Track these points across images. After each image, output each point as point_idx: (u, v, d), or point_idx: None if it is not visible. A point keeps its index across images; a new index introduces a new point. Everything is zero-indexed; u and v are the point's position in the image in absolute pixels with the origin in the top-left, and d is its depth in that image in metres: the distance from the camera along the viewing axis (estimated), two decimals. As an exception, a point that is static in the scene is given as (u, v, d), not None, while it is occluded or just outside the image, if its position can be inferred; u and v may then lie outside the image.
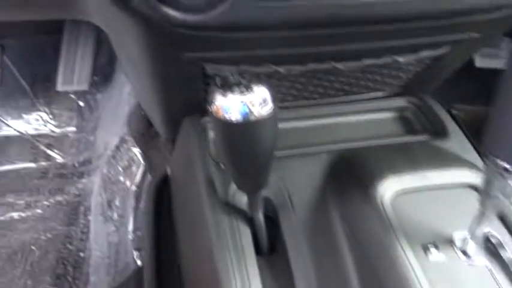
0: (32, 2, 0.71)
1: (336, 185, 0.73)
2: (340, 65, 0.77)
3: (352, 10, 0.54)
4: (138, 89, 0.96)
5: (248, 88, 0.54)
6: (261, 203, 0.68)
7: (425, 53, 0.80)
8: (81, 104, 1.60)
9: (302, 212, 0.73)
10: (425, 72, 0.89)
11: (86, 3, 0.63)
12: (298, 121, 0.88)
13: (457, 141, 0.81)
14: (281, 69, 0.75)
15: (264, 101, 0.54)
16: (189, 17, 0.51)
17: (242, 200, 0.71)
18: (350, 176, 0.72)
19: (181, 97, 0.82)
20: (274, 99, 0.56)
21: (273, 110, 0.56)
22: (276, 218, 0.73)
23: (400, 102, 0.94)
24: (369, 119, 0.92)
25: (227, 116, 0.54)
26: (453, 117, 1.20)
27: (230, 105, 0.54)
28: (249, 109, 0.54)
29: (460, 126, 0.89)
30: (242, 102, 0.54)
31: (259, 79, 0.55)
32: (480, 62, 1.99)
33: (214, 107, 0.55)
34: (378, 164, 0.71)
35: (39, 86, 1.60)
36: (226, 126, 0.55)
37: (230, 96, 0.54)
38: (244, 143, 0.56)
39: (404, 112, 0.94)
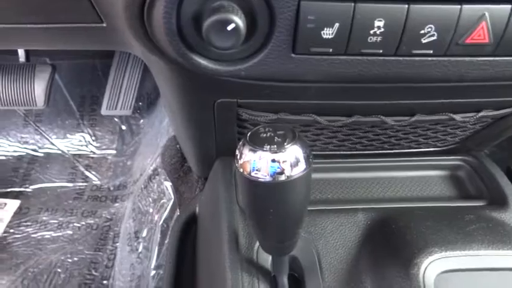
0: (76, 36, 0.71)
1: (372, 252, 0.65)
2: (389, 119, 0.71)
3: (400, 73, 0.48)
4: (173, 124, 0.93)
5: (280, 146, 0.49)
6: (286, 266, 0.61)
7: (487, 113, 0.72)
8: (124, 128, 1.61)
9: (331, 276, 0.65)
10: (485, 130, 0.80)
11: (128, 40, 0.61)
12: (337, 172, 0.81)
13: (518, 214, 0.71)
14: (323, 119, 0.69)
15: (297, 161, 0.49)
16: (220, 67, 0.47)
17: (267, 258, 0.65)
18: (389, 243, 0.65)
19: (215, 138, 0.78)
20: (309, 159, 0.51)
21: (306, 171, 0.50)
22: (302, 279, 0.66)
23: (453, 160, 0.85)
24: (416, 176, 0.83)
25: (254, 174, 0.49)
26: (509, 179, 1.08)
27: (259, 163, 0.49)
28: (279, 169, 0.49)
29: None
30: (272, 161, 0.49)
31: (293, 136, 0.50)
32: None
33: (241, 162, 0.50)
34: (423, 234, 0.63)
35: (86, 108, 1.63)
36: (252, 184, 0.50)
37: (260, 152, 0.49)
38: (270, 205, 0.51)
39: (458, 172, 0.85)
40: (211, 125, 0.74)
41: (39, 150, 1.60)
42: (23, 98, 1.31)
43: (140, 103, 1.61)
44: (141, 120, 1.60)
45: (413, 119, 0.70)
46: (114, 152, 1.59)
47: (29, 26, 0.67)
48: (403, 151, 0.84)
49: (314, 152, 0.81)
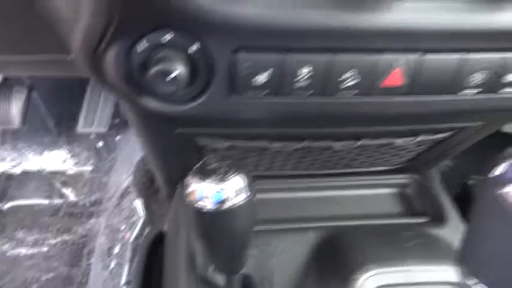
0: (50, 65, 0.76)
1: (318, 269, 0.71)
2: (337, 144, 0.77)
3: (330, 109, 0.54)
4: (141, 147, 0.98)
5: (225, 176, 0.54)
6: (238, 284, 0.66)
7: (426, 137, 0.78)
8: (100, 144, 1.65)
9: None
10: (430, 151, 0.87)
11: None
12: (291, 192, 0.87)
13: (454, 230, 0.78)
14: (276, 145, 0.75)
15: (240, 190, 0.55)
16: (167, 108, 0.52)
17: (221, 276, 0.70)
18: (333, 260, 0.70)
19: (177, 162, 0.83)
20: (251, 187, 0.56)
21: (248, 199, 0.56)
22: None
23: (401, 178, 0.91)
24: (367, 194, 0.90)
25: (200, 203, 0.55)
26: (464, 195, 1.15)
27: (204, 192, 0.55)
28: (223, 198, 0.54)
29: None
30: (216, 190, 0.54)
31: (236, 167, 0.55)
32: (509, 127, 1.93)
33: (188, 191, 0.55)
34: (363, 251, 0.69)
35: (63, 125, 1.67)
36: (199, 212, 0.55)
37: (205, 183, 0.54)
38: (217, 230, 0.56)
39: (406, 190, 0.91)
40: (172, 151, 0.79)
41: (17, 168, 1.63)
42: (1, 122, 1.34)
43: (116, 120, 1.65)
44: (117, 137, 1.64)
45: (359, 143, 0.76)
46: (90, 168, 1.62)
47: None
48: (355, 170, 0.90)
49: (270, 173, 0.86)
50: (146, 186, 1.12)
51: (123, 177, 1.41)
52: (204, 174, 0.55)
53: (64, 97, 1.68)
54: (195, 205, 0.55)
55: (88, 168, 1.62)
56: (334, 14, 0.45)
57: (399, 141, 0.78)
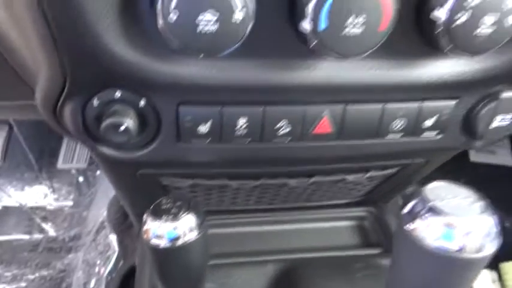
0: (25, 110, 0.82)
1: (275, 300, 0.75)
2: (291, 181, 0.82)
3: (272, 153, 0.60)
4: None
5: (177, 215, 0.60)
6: None
7: (375, 173, 0.84)
8: (81, 179, 1.69)
9: None
10: (383, 185, 0.92)
11: None
12: (251, 226, 0.91)
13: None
14: (234, 183, 0.80)
15: (192, 227, 0.60)
16: (121, 155, 0.58)
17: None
18: (288, 292, 0.75)
19: (144, 199, 0.87)
20: (202, 225, 0.61)
21: (200, 235, 0.60)
22: None
23: (359, 211, 0.97)
24: (326, 227, 0.94)
25: (155, 241, 0.59)
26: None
27: (158, 231, 0.59)
28: (176, 236, 0.59)
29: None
30: (169, 228, 0.59)
31: (188, 206, 0.60)
32: (475, 157, 2.01)
33: (144, 229, 0.60)
34: (316, 284, 0.73)
35: (44, 161, 1.71)
36: (154, 249, 0.60)
37: (158, 222, 0.59)
38: (172, 266, 0.61)
39: (363, 222, 0.96)
40: (138, 189, 0.84)
41: (-3, 203, 1.66)
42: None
43: (97, 155, 1.69)
44: (98, 172, 1.68)
45: (312, 180, 0.82)
46: (71, 203, 1.65)
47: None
48: (315, 204, 0.95)
49: (232, 208, 0.91)
50: (120, 221, 1.16)
51: (101, 211, 1.44)
52: (158, 213, 0.60)
53: (44, 133, 1.73)
54: (150, 243, 0.60)
55: (68, 203, 1.66)
56: (264, 72, 0.51)
57: (350, 178, 0.84)
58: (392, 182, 0.91)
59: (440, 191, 0.50)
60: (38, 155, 1.70)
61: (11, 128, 1.49)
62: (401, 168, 0.84)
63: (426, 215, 0.47)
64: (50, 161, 1.70)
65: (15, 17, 0.50)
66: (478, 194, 0.49)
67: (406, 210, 0.49)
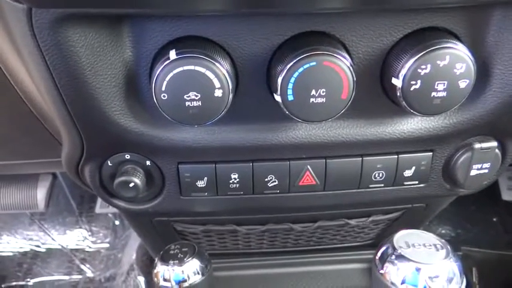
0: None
1: None
2: (296, 226, 0.87)
3: (266, 203, 0.67)
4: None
5: (182, 260, 0.67)
6: None
7: (378, 218, 0.88)
8: (117, 223, 1.80)
9: None
10: (390, 229, 0.95)
11: None
12: (259, 269, 0.96)
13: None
14: (242, 229, 0.87)
15: (197, 271, 0.67)
16: (132, 207, 0.67)
17: None
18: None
19: (163, 243, 0.95)
20: (207, 268, 0.68)
21: (204, 277, 0.67)
22: None
23: (369, 254, 0.99)
24: (338, 269, 0.98)
25: (163, 283, 0.67)
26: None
27: (166, 274, 0.67)
28: (182, 278, 0.67)
29: None
30: (176, 272, 0.67)
31: (193, 252, 0.68)
32: (507, 195, 1.96)
33: (154, 272, 0.68)
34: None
35: (84, 206, 1.85)
36: (163, 291, 0.67)
37: (166, 266, 0.67)
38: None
39: (373, 264, 0.99)
40: (156, 235, 0.92)
41: (42, 246, 1.79)
42: (26, 204, 1.53)
43: (132, 200, 1.81)
44: (132, 216, 1.79)
45: (316, 225, 0.87)
46: (107, 245, 1.76)
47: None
48: (326, 247, 0.99)
49: (245, 251, 0.97)
50: (147, 264, 1.24)
51: (133, 253, 1.53)
52: (166, 258, 0.68)
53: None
54: (160, 285, 0.67)
55: (105, 245, 1.76)
56: (250, 134, 0.59)
57: (353, 222, 0.88)
58: (401, 225, 0.94)
59: (409, 238, 0.55)
60: (79, 201, 1.84)
61: (55, 177, 1.64)
62: (404, 212, 0.87)
63: (395, 260, 0.52)
64: (89, 206, 1.83)
65: (43, 96, 0.61)
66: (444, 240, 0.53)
67: (378, 255, 0.54)
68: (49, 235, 1.80)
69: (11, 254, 1.79)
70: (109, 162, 0.62)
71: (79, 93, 0.52)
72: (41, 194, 1.53)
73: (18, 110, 0.70)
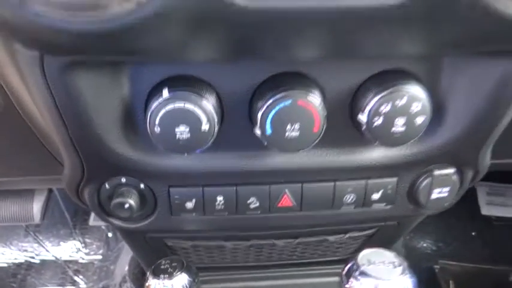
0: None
1: None
2: (279, 242, 0.94)
3: (249, 222, 0.74)
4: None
5: (171, 274, 0.73)
6: None
7: (354, 234, 0.95)
8: (110, 235, 1.85)
9: None
10: (367, 244, 1.02)
11: None
12: (245, 282, 1.03)
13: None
14: (229, 244, 0.93)
15: (184, 285, 0.73)
16: (128, 225, 0.73)
17: None
18: None
19: (155, 258, 1.02)
20: (194, 282, 0.74)
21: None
22: None
23: None
24: (317, 282, 1.04)
25: (154, 296, 0.73)
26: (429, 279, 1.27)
27: (157, 287, 0.73)
28: (171, 291, 0.73)
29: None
30: (165, 285, 0.73)
31: (182, 266, 0.74)
32: (486, 210, 2.04)
33: (146, 286, 0.74)
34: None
35: (79, 218, 1.90)
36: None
37: (156, 280, 0.73)
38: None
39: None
40: (149, 250, 0.98)
41: (36, 257, 1.84)
42: (22, 217, 1.58)
43: (125, 213, 1.86)
44: (125, 228, 1.85)
45: (297, 241, 0.94)
46: (100, 257, 1.81)
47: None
48: (308, 261, 1.06)
49: (232, 265, 1.03)
50: (138, 277, 1.29)
51: (126, 266, 1.59)
52: (157, 272, 0.74)
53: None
54: None
55: (98, 257, 1.81)
56: (234, 161, 0.66)
57: (332, 238, 0.95)
58: (377, 240, 1.01)
59: (371, 256, 0.62)
60: (73, 214, 1.89)
61: (50, 191, 1.69)
62: (379, 229, 0.94)
63: (358, 276, 0.59)
64: (83, 218, 1.88)
65: (46, 123, 0.67)
66: (400, 257, 0.60)
67: (344, 271, 0.61)
68: (43, 247, 1.85)
69: (5, 265, 1.83)
70: (107, 184, 0.68)
71: (81, 124, 0.59)
72: (37, 207, 1.58)
73: (18, 128, 0.76)
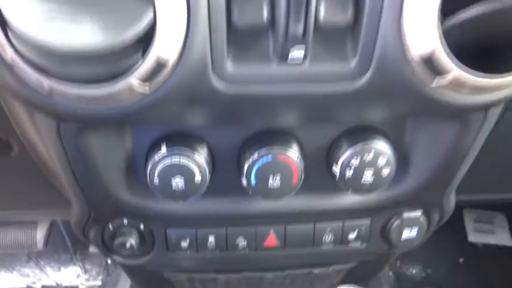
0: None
1: None
2: (268, 275, 1.01)
3: (239, 259, 0.81)
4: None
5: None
6: None
7: (338, 267, 1.02)
8: (109, 261, 1.92)
9: None
10: (351, 275, 1.10)
11: None
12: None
13: None
14: (221, 277, 1.01)
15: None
16: (128, 261, 0.81)
17: None
18: None
19: (154, 287, 1.09)
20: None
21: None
22: None
23: None
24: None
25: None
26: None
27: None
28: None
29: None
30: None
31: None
32: (473, 237, 2.10)
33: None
34: None
35: (79, 245, 1.96)
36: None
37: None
38: None
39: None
40: (148, 282, 1.05)
41: (38, 283, 1.90)
42: (26, 244, 1.65)
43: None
44: (124, 254, 1.91)
45: (285, 273, 1.01)
46: (99, 283, 1.87)
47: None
48: None
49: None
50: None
51: (125, 291, 1.65)
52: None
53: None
54: None
55: (97, 282, 1.88)
56: (223, 206, 0.74)
57: (316, 271, 1.02)
58: (360, 271, 1.09)
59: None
60: (74, 240, 1.96)
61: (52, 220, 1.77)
62: (359, 263, 1.02)
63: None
64: (84, 245, 1.95)
65: (58, 171, 0.76)
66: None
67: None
68: (44, 272, 1.91)
69: (7, 290, 1.89)
70: (110, 225, 0.76)
71: (90, 175, 0.68)
72: (40, 234, 1.65)
73: (28, 168, 0.83)
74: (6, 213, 1.18)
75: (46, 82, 0.45)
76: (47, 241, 1.68)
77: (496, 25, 0.44)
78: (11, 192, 0.99)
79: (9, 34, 0.43)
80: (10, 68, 0.46)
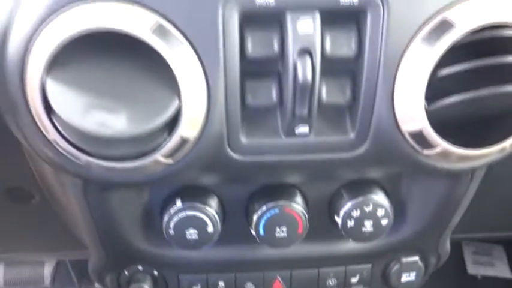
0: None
1: None
2: None
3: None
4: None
5: None
6: None
7: None
8: (114, 296, 1.94)
9: None
10: None
11: None
12: None
13: None
14: None
15: None
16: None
17: None
18: None
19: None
20: None
21: None
22: None
23: None
24: None
25: None
26: None
27: None
28: None
29: None
30: None
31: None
32: (473, 269, 2.13)
33: None
34: None
35: (84, 280, 1.99)
36: None
37: None
38: None
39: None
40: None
41: (42, 319, 1.91)
42: (33, 280, 1.68)
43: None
44: (128, 290, 1.93)
45: None
46: (103, 318, 1.89)
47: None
48: None
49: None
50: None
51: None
52: None
53: (86, 260, 2.02)
54: None
55: (102, 317, 1.89)
56: (234, 254, 0.79)
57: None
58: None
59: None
60: (80, 276, 1.99)
61: (58, 263, 1.81)
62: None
63: None
64: (88, 280, 1.97)
65: (78, 221, 0.81)
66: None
67: None
68: (49, 308, 1.92)
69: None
70: (126, 271, 0.81)
71: (110, 227, 0.73)
72: (47, 271, 1.69)
73: (45, 215, 0.88)
74: (15, 255, 1.22)
75: (84, 158, 0.51)
76: (54, 278, 1.72)
77: (473, 109, 0.51)
78: (21, 236, 1.03)
79: (53, 119, 0.49)
80: (51, 145, 0.52)
